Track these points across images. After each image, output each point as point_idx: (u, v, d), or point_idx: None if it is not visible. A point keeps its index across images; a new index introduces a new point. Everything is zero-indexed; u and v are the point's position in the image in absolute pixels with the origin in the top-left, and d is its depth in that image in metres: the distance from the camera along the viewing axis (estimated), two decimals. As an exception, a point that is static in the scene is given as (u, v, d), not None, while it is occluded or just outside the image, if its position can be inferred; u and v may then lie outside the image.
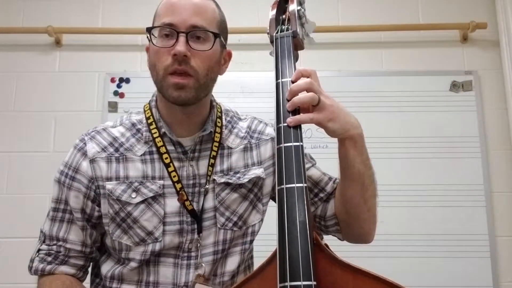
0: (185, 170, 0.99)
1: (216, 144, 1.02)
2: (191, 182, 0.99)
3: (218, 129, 1.04)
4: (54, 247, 0.99)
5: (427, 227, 2.09)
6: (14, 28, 2.34)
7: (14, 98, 2.31)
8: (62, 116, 2.28)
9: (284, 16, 1.01)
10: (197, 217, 0.98)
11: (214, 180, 1.00)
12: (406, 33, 2.32)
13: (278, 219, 0.77)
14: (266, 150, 1.08)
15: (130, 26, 2.26)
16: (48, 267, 0.98)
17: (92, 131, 1.04)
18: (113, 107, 2.25)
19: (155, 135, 1.00)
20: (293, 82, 0.88)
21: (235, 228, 1.01)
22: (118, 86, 2.28)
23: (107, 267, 1.00)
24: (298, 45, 0.98)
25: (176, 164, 0.99)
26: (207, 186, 1.00)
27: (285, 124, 0.84)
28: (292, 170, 0.79)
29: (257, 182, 1.04)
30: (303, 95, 0.86)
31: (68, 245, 0.99)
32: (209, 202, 0.99)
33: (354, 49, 2.34)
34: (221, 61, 1.03)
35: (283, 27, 0.98)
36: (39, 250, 1.00)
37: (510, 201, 2.15)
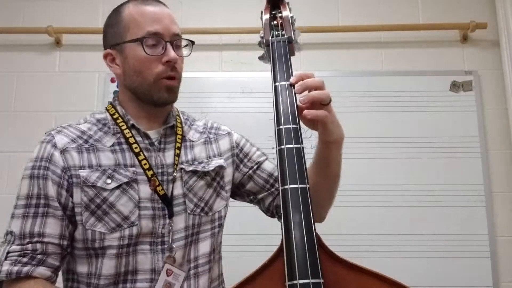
0: (153, 160, 1.03)
1: (179, 136, 1.09)
2: (159, 170, 1.03)
3: (179, 124, 1.11)
4: (29, 245, 0.93)
5: (427, 227, 2.09)
6: (14, 28, 2.34)
7: (14, 98, 2.31)
8: (62, 116, 2.27)
9: (276, 22, 1.04)
10: (168, 202, 1.01)
11: (182, 169, 1.05)
12: (406, 33, 2.32)
13: (283, 219, 0.79)
14: (224, 143, 1.16)
15: (130, 26, 2.26)
16: (25, 269, 0.90)
17: (57, 127, 1.05)
18: (113, 107, 2.25)
19: (123, 127, 1.04)
20: (292, 84, 0.92)
21: (202, 214, 1.05)
22: (118, 86, 2.27)
23: (85, 267, 0.97)
24: (291, 51, 1.01)
25: (145, 154, 1.03)
26: (175, 174, 1.04)
27: (286, 126, 0.87)
28: (295, 172, 0.82)
29: (219, 172, 1.11)
30: (318, 92, 0.91)
31: (46, 239, 0.94)
32: (178, 189, 1.04)
33: (354, 49, 2.34)
34: None
35: (277, 32, 1.02)
36: (8, 252, 0.92)
37: (510, 201, 2.15)
